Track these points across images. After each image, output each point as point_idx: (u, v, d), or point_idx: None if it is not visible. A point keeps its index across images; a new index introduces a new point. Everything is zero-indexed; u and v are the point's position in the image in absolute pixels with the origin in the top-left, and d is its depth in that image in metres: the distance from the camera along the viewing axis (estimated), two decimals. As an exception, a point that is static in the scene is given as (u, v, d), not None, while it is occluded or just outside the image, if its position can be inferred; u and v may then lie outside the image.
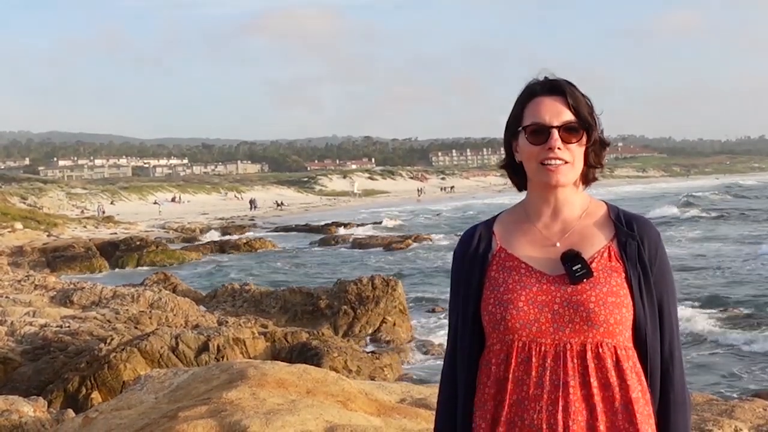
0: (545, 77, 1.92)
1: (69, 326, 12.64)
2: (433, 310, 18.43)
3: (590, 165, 1.93)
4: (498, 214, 2.04)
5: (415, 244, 35.98)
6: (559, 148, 1.86)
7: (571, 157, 1.87)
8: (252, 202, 77.29)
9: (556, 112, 1.87)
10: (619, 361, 1.82)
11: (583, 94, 1.91)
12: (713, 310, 17.18)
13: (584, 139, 1.88)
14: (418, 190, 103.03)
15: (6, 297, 15.17)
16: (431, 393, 5.77)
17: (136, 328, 13.13)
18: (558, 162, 1.86)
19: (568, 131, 1.87)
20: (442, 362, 2.05)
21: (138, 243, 33.33)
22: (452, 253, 2.05)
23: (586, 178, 1.95)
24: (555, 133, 1.86)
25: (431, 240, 37.36)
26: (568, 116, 1.87)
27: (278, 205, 78.32)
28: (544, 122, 1.87)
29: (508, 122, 1.96)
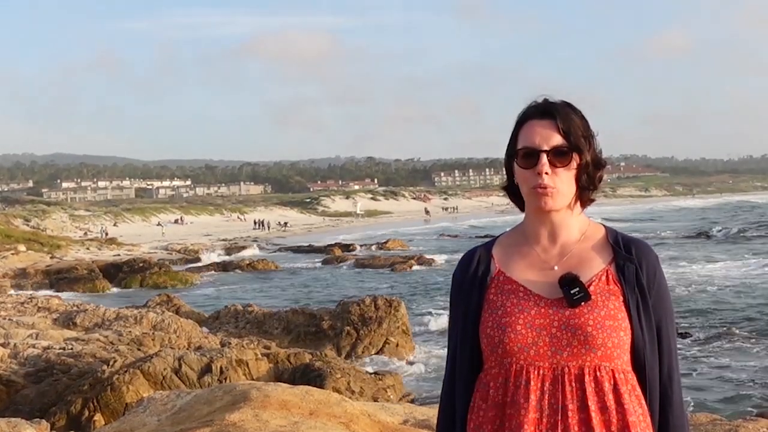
0: (542, 100, 1.92)
1: (72, 348, 12.63)
2: (436, 331, 18.40)
3: (583, 187, 1.91)
4: (497, 237, 2.05)
5: (417, 265, 35.97)
6: (547, 173, 1.86)
7: (560, 182, 1.87)
8: (259, 222, 77.53)
9: (546, 136, 1.87)
10: (617, 385, 1.82)
11: (580, 116, 1.91)
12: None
13: (573, 162, 1.88)
14: (425, 210, 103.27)
15: (9, 319, 15.16)
16: (434, 414, 5.75)
17: (139, 349, 13.11)
18: (546, 188, 1.86)
19: (557, 155, 1.87)
20: (442, 383, 2.05)
21: (141, 264, 33.41)
22: (453, 274, 2.05)
23: (582, 201, 1.94)
24: (544, 157, 1.86)
25: (434, 261, 37.36)
26: (557, 140, 1.87)
27: (281, 225, 78.46)
28: (534, 146, 1.88)
29: (507, 145, 1.96)
